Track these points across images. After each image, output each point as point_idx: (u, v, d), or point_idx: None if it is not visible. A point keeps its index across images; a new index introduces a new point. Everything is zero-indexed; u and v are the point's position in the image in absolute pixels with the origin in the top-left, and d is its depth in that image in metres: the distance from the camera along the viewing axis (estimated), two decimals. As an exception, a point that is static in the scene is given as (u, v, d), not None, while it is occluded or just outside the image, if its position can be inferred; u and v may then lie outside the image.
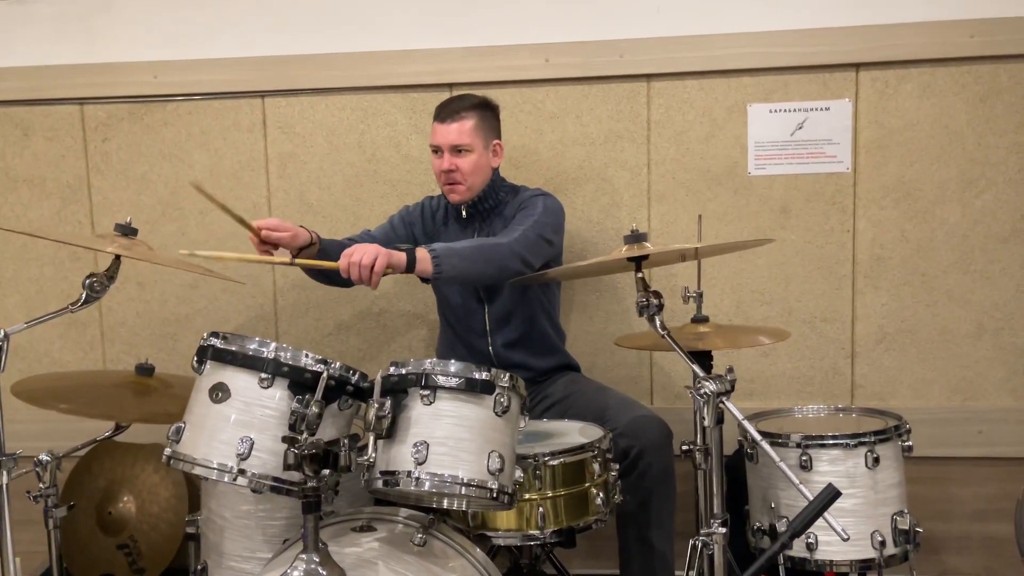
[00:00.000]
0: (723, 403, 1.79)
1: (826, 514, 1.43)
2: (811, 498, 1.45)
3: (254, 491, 1.78)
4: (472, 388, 1.77)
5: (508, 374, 1.81)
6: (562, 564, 2.46)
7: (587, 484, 2.10)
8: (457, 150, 2.44)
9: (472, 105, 2.48)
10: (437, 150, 2.47)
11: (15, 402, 2.13)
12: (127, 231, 2.11)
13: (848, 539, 1.59)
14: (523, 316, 2.53)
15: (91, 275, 2.06)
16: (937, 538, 2.76)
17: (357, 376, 1.82)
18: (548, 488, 2.06)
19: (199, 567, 2.16)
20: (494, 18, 2.79)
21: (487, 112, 2.50)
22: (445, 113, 2.46)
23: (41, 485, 2.12)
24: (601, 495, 2.11)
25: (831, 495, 1.42)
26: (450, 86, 2.83)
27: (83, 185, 3.00)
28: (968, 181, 2.70)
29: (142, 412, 2.22)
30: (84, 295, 2.05)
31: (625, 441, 2.27)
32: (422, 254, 2.16)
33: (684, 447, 2.13)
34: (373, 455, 1.75)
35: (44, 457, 2.11)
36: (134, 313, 3.01)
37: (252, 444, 1.74)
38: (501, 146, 2.54)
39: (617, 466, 2.20)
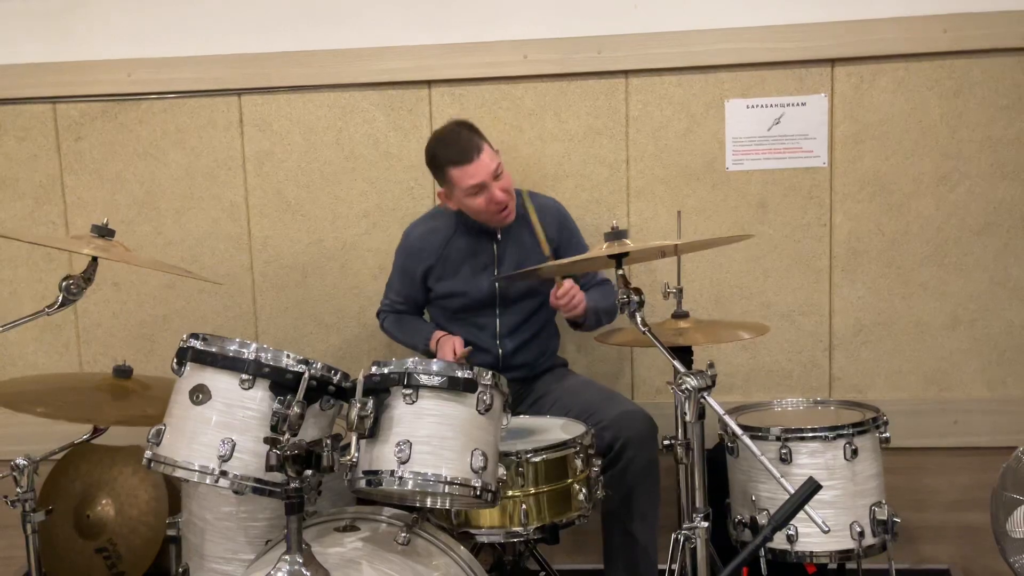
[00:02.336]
0: (704, 398, 1.80)
1: (807, 507, 1.45)
2: (792, 492, 1.46)
3: (236, 493, 1.77)
4: (454, 387, 1.77)
5: (490, 372, 1.82)
6: (546, 560, 2.47)
7: (569, 480, 2.11)
8: (496, 175, 2.40)
9: (470, 130, 2.42)
10: (480, 188, 2.37)
11: (-10, 406, 2.10)
12: (104, 232, 2.09)
13: (829, 532, 1.61)
14: (533, 321, 2.57)
15: (68, 277, 2.03)
16: (914, 528, 2.79)
17: (339, 376, 1.82)
18: (531, 485, 2.07)
19: (180, 570, 2.14)
20: (472, 15, 2.79)
21: (476, 129, 2.45)
22: (466, 152, 2.35)
23: (18, 490, 2.09)
24: (584, 491, 2.12)
25: (812, 488, 1.44)
26: (428, 83, 2.82)
27: (56, 185, 2.96)
28: (942, 175, 2.74)
29: (120, 415, 2.19)
30: (61, 298, 2.02)
31: (610, 434, 2.29)
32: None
33: (665, 442, 2.14)
34: (356, 455, 1.75)
35: (21, 461, 2.08)
36: (110, 314, 2.98)
37: (234, 446, 1.73)
38: (498, 151, 2.53)
39: (599, 462, 2.21)
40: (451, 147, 2.39)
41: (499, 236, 2.53)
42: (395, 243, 2.80)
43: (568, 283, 2.38)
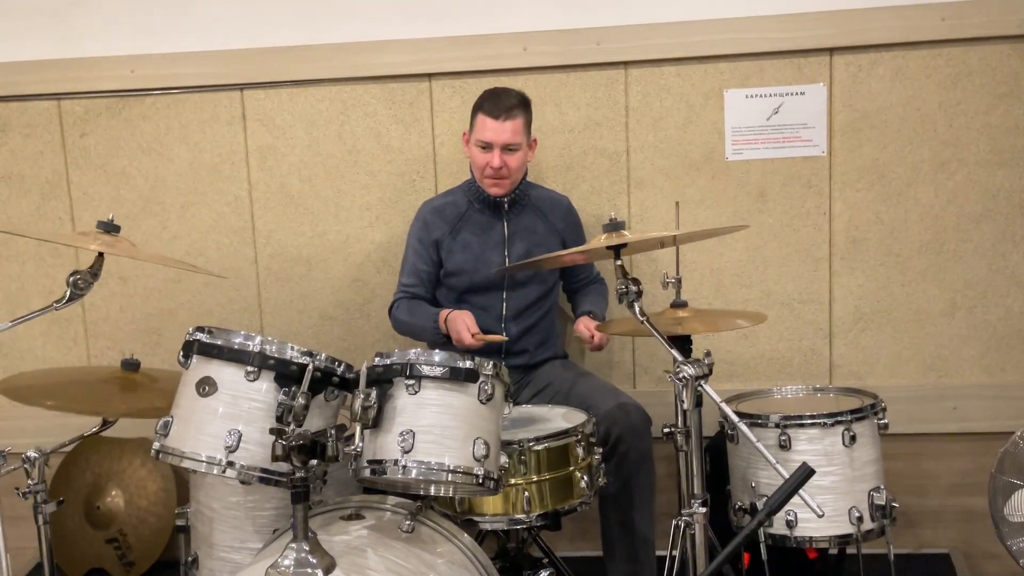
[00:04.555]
0: (701, 386, 1.83)
1: (801, 492, 1.48)
2: (787, 477, 1.49)
3: (243, 483, 1.80)
4: (456, 377, 1.80)
5: (491, 362, 1.84)
6: (548, 546, 2.50)
7: (571, 468, 2.14)
8: (509, 149, 2.48)
9: (520, 102, 2.51)
10: (487, 146, 2.47)
11: (0, 399, 2.13)
12: (110, 228, 2.11)
13: (823, 516, 1.64)
14: (538, 307, 2.60)
15: (75, 272, 2.06)
16: (913, 512, 2.82)
17: (343, 367, 1.85)
18: (533, 473, 2.10)
19: (189, 559, 2.18)
20: (471, 7, 2.80)
21: (529, 110, 2.55)
22: (499, 110, 2.46)
23: (30, 482, 2.11)
24: (585, 478, 2.15)
25: (805, 474, 1.47)
26: (429, 76, 2.84)
27: (62, 181, 2.99)
28: (940, 162, 2.75)
29: (129, 407, 2.22)
30: (68, 293, 2.05)
31: (604, 426, 2.32)
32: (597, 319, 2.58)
33: (665, 430, 2.17)
34: (360, 444, 1.78)
35: (32, 454, 2.11)
36: (117, 308, 3.02)
37: (240, 436, 1.76)
38: (536, 141, 2.60)
39: (600, 450, 2.24)
40: (493, 99, 2.50)
41: (508, 215, 2.56)
42: (398, 235, 2.83)
43: (595, 336, 2.49)
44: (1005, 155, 2.73)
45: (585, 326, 2.53)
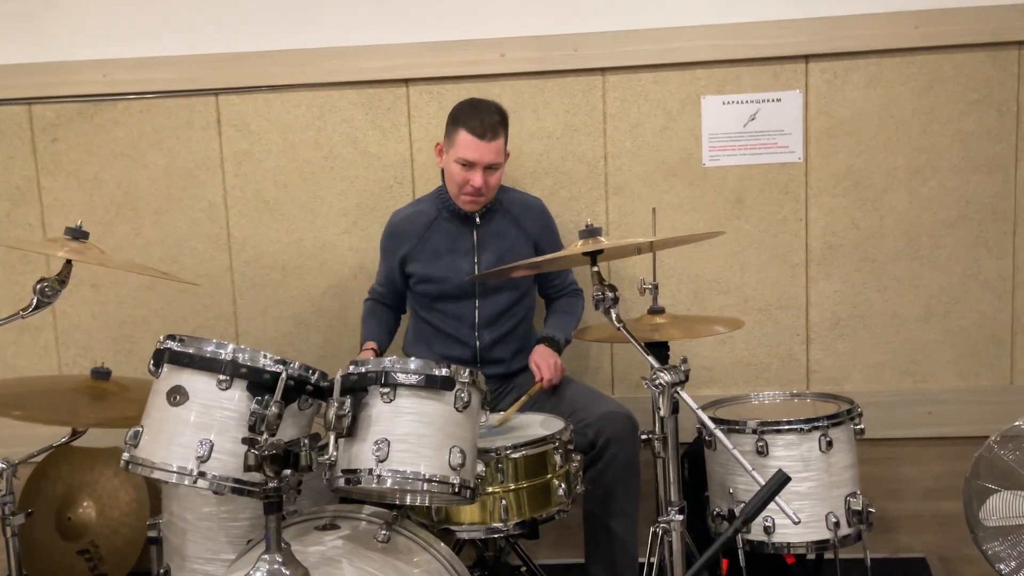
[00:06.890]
0: (677, 393, 1.82)
1: (778, 499, 1.48)
2: (763, 484, 1.49)
3: (215, 493, 1.77)
4: (432, 385, 1.79)
5: (468, 369, 1.83)
6: (527, 555, 2.48)
7: (549, 475, 2.13)
8: (491, 168, 2.44)
9: (501, 120, 2.47)
10: (469, 164, 2.42)
11: (-33, 410, 2.09)
12: (78, 234, 2.08)
13: (799, 523, 1.64)
14: (512, 314, 2.58)
15: (42, 280, 2.03)
16: (890, 517, 2.83)
17: (316, 375, 1.83)
18: (510, 481, 2.09)
19: (162, 570, 2.15)
20: (449, 13, 2.79)
21: (507, 124, 2.51)
22: (483, 128, 2.41)
23: (-3, 493, 2.09)
24: (563, 486, 2.14)
25: (781, 481, 1.47)
26: (406, 81, 2.83)
27: (33, 186, 2.94)
28: (914, 169, 2.77)
29: (99, 417, 2.19)
30: (35, 300, 2.02)
31: (592, 432, 2.31)
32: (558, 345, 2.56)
33: (643, 436, 2.16)
34: (334, 454, 1.76)
35: (0, 464, 2.08)
36: (89, 316, 2.97)
37: (212, 446, 1.73)
38: (509, 153, 2.58)
39: (579, 457, 2.23)
40: (476, 117, 2.43)
41: (479, 222, 2.54)
42: (375, 242, 2.80)
43: (544, 372, 2.44)
44: (978, 162, 2.75)
45: (536, 364, 2.47)
